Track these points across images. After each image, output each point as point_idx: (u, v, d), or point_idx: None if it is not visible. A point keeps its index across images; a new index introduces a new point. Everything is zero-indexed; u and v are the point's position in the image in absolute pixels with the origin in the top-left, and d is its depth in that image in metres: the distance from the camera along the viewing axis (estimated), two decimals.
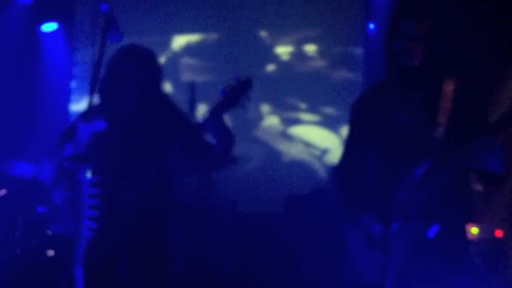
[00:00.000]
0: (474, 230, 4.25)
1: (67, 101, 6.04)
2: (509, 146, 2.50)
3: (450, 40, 2.67)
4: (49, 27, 5.88)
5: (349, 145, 2.84)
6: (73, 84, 6.07)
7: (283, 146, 6.06)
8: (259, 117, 6.09)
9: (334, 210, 3.07)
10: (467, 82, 2.62)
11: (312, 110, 6.02)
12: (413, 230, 2.53)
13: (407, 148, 2.60)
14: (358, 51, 5.93)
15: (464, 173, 2.58)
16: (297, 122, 6.04)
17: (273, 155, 6.03)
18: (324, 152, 5.98)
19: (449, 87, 2.59)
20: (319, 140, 6.00)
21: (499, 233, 4.30)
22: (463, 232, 2.68)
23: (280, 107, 6.05)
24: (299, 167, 5.97)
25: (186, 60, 6.12)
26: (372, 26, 5.74)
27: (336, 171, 2.90)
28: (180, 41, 6.12)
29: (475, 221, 4.24)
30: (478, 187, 4.29)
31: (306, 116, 6.04)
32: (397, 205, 2.58)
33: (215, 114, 2.93)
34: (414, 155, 2.56)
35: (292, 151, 6.03)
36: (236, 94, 2.94)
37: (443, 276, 2.57)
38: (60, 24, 5.91)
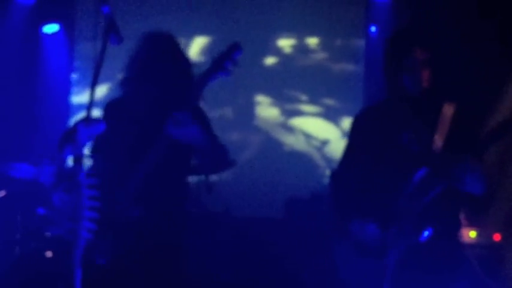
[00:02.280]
0: (472, 234, 4.26)
1: (67, 102, 6.05)
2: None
3: (452, 63, 2.76)
4: (50, 28, 5.90)
5: (348, 155, 2.89)
6: (74, 85, 6.09)
7: (283, 137, 6.08)
8: (260, 109, 6.11)
9: (330, 216, 3.09)
10: (465, 103, 2.71)
11: (312, 101, 6.05)
12: (408, 236, 2.56)
13: (406, 162, 2.65)
14: (360, 43, 5.96)
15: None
16: (297, 113, 6.07)
17: (273, 146, 6.04)
18: (324, 143, 6.00)
19: (445, 110, 2.67)
20: (320, 131, 6.03)
21: (497, 237, 4.31)
22: (459, 237, 2.72)
23: (281, 98, 6.08)
24: (299, 158, 5.99)
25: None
26: (373, 28, 5.77)
27: (333, 179, 2.95)
28: (182, 36, 6.12)
29: (473, 225, 4.25)
30: None
31: (307, 108, 6.07)
32: (392, 212, 2.61)
33: (203, 81, 2.85)
34: (411, 167, 2.61)
35: (293, 142, 6.05)
36: (223, 59, 2.86)
37: (440, 282, 2.59)
38: (61, 25, 5.92)
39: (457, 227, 2.74)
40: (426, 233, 2.55)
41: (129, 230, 2.86)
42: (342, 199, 2.84)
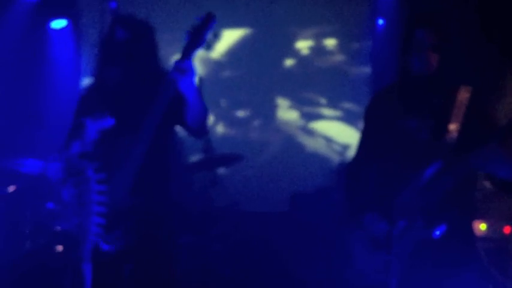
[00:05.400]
0: (482, 227, 4.25)
1: (75, 98, 6.05)
2: None
3: (461, 48, 2.72)
4: (58, 24, 5.90)
5: (360, 147, 2.89)
6: (81, 81, 6.09)
7: (303, 141, 6.04)
8: (279, 112, 6.09)
9: (340, 209, 3.10)
10: (477, 89, 2.67)
11: (331, 105, 6.00)
12: (418, 230, 2.56)
13: (417, 152, 2.63)
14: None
15: (471, 175, 2.61)
16: (316, 117, 6.02)
17: (293, 150, 6.00)
18: (346, 147, 5.95)
19: (461, 94, 2.63)
20: (340, 135, 5.97)
21: (507, 230, 4.29)
22: (469, 232, 2.70)
23: (300, 101, 6.03)
24: (319, 162, 5.93)
25: (203, 55, 6.12)
26: (381, 21, 5.73)
27: (346, 171, 2.96)
28: None
29: (483, 218, 4.23)
30: (486, 184, 4.29)
31: (326, 111, 6.02)
32: (403, 205, 2.60)
33: (184, 57, 2.83)
34: (422, 158, 2.59)
35: (313, 146, 6.01)
36: (200, 32, 2.84)
37: (448, 276, 2.58)
38: (68, 21, 5.92)
39: (469, 220, 2.72)
40: (438, 232, 2.54)
41: (128, 217, 2.87)
42: (354, 191, 2.83)
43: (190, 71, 2.79)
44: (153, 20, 3.16)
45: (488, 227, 4.26)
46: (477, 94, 2.68)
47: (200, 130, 3.03)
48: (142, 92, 2.97)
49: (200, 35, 2.83)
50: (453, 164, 2.54)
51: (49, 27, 5.89)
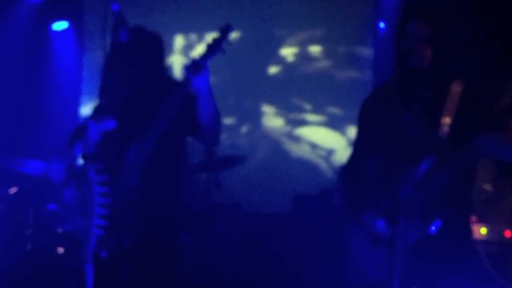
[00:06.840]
0: (483, 231, 4.25)
1: (77, 99, 6.07)
2: None
3: (455, 41, 2.71)
4: (60, 26, 5.92)
5: (356, 144, 2.89)
6: (83, 82, 6.11)
7: (289, 147, 6.06)
8: (265, 119, 6.10)
9: (339, 210, 3.10)
10: (471, 82, 2.67)
11: (317, 110, 6.02)
12: (416, 226, 2.56)
13: (411, 146, 2.64)
14: (363, 50, 5.94)
15: (467, 170, 2.62)
16: (302, 123, 6.04)
17: (279, 157, 6.01)
18: (330, 152, 5.97)
19: (454, 88, 2.63)
20: (325, 140, 5.99)
21: (508, 234, 4.29)
22: (467, 228, 2.70)
23: (286, 108, 6.05)
24: (306, 168, 5.95)
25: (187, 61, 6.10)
26: (382, 25, 5.74)
27: (343, 169, 2.95)
28: (183, 42, 6.12)
29: (483, 221, 4.23)
30: (487, 187, 4.29)
31: (312, 117, 6.04)
32: (400, 202, 2.60)
33: (200, 58, 2.91)
34: (418, 153, 2.59)
35: (298, 152, 6.03)
36: (218, 41, 2.95)
37: (447, 273, 2.59)
38: (70, 23, 5.94)
39: (466, 217, 2.72)
40: (433, 228, 2.54)
41: (128, 221, 2.87)
42: (352, 188, 2.83)
43: (205, 70, 2.87)
44: (153, 21, 3.18)
45: (489, 231, 4.26)
46: (472, 87, 2.67)
47: (212, 137, 3.04)
48: (151, 93, 2.99)
49: (218, 43, 2.95)
50: (447, 157, 2.54)
51: (51, 28, 5.91)
